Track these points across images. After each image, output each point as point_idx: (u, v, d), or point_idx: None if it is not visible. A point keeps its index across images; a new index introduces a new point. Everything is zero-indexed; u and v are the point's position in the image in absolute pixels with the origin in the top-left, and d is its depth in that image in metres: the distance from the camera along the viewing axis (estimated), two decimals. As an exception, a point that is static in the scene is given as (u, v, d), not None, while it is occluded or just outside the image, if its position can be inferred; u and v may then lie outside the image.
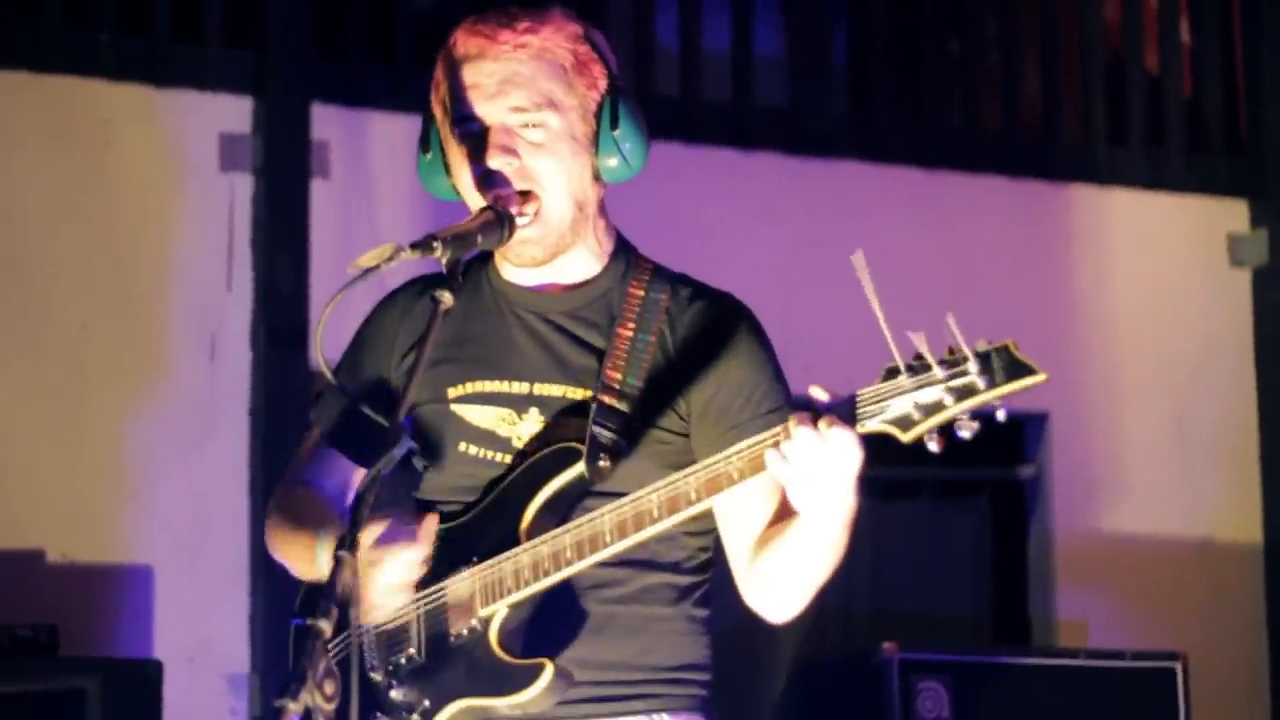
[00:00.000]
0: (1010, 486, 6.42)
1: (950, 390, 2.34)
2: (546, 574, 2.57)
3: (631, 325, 2.70)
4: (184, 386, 5.27)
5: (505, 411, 2.70)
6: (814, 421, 2.38)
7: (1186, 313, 6.52)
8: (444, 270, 2.51)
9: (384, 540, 2.58)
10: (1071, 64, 6.50)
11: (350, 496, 2.78)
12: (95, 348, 5.20)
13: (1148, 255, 6.51)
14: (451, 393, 2.73)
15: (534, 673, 2.57)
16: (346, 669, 2.26)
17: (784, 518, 2.58)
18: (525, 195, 2.66)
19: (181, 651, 5.09)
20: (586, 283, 2.75)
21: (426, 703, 2.63)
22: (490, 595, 2.60)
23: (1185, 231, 6.58)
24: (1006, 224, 6.35)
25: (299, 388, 5.29)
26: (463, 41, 2.70)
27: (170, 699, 4.61)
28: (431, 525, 2.63)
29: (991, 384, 2.33)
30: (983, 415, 2.33)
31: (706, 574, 2.75)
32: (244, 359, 5.34)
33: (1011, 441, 6.34)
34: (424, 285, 2.83)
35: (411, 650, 2.66)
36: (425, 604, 2.65)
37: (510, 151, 2.66)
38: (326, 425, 2.84)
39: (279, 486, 2.88)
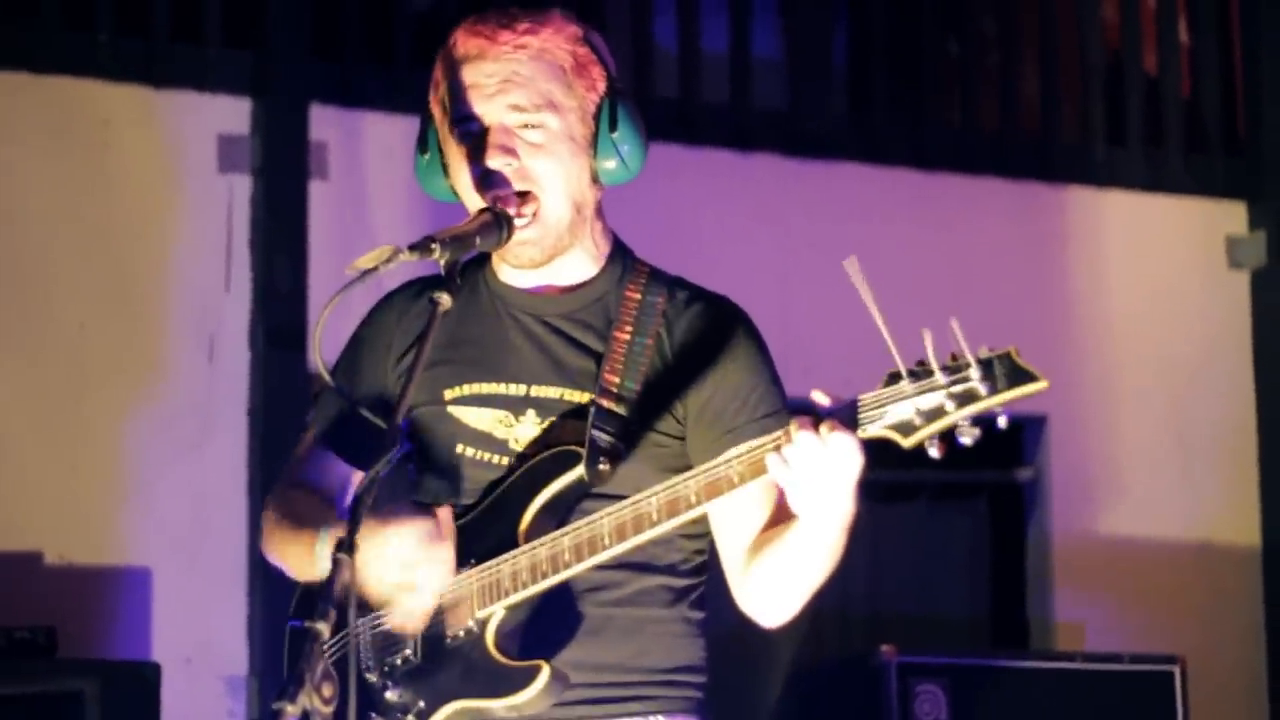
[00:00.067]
0: (1008, 489, 6.41)
1: (952, 396, 2.34)
2: (544, 576, 2.57)
3: (629, 328, 2.70)
4: (182, 387, 5.27)
5: (502, 413, 2.70)
6: (815, 426, 2.38)
7: (1185, 315, 6.51)
8: (442, 272, 2.50)
9: (405, 548, 2.56)
10: (1070, 65, 6.49)
11: (348, 497, 2.78)
12: (94, 348, 5.19)
13: (1146, 257, 6.50)
14: (448, 394, 2.73)
15: (530, 675, 2.57)
16: (343, 670, 2.26)
17: (779, 522, 2.59)
18: (524, 196, 2.66)
19: (180, 653, 5.08)
20: (583, 285, 2.75)
21: (422, 704, 2.63)
22: (488, 597, 2.60)
23: (1184, 233, 6.57)
24: (1005, 225, 6.34)
25: (298, 388, 5.28)
26: (462, 42, 2.70)
27: (168, 701, 4.59)
28: (448, 519, 2.63)
29: (993, 390, 2.33)
30: (984, 422, 2.33)
31: (702, 576, 2.75)
32: (242, 359, 5.33)
33: (1010, 444, 6.33)
34: (421, 287, 2.83)
35: (407, 651, 2.66)
36: (423, 605, 2.65)
37: (509, 152, 2.66)
38: (322, 427, 2.84)
39: (275, 488, 2.87)
